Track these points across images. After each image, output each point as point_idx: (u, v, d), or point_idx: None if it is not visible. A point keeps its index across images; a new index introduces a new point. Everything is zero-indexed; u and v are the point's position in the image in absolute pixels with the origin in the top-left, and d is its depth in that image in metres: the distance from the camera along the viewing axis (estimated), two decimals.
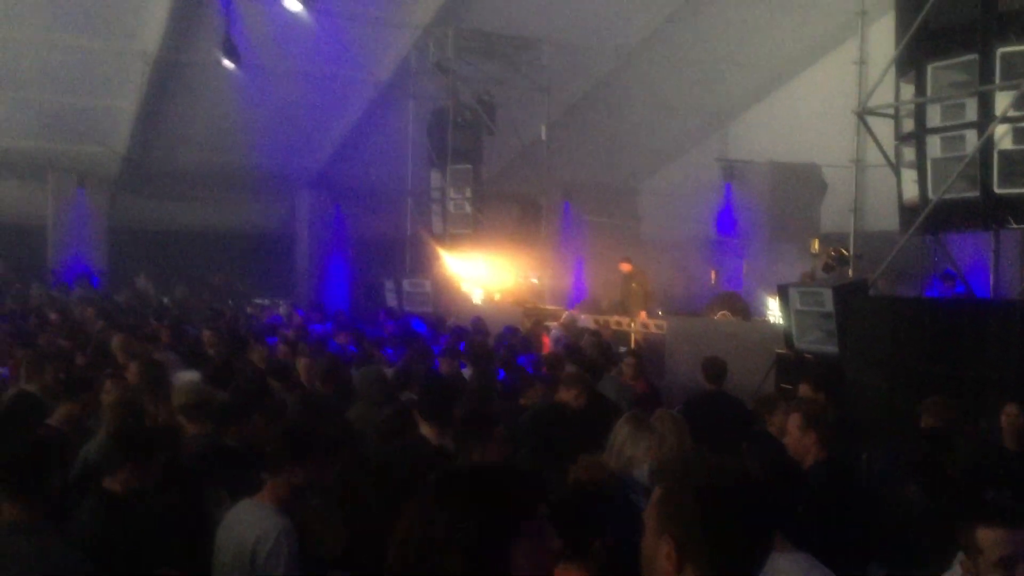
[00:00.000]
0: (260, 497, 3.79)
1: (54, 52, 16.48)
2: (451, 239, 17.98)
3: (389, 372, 7.56)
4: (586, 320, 14.06)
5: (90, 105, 18.21)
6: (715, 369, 7.64)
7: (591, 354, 8.60)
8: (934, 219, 8.04)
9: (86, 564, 3.46)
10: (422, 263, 18.89)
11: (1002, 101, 7.42)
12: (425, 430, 5.28)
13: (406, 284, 18.19)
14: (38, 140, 19.04)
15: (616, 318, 14.65)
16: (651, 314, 14.75)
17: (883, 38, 9.57)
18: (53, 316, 13.45)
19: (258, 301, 20.38)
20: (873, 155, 9.60)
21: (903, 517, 4.55)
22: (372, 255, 21.29)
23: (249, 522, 3.71)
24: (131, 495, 3.93)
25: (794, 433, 4.79)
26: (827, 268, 11.75)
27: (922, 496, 4.58)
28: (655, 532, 1.91)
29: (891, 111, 8.98)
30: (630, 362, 8.57)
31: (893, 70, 8.67)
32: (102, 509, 3.86)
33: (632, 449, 4.60)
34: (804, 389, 6.33)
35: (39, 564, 3.35)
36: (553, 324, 13.31)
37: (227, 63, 15.35)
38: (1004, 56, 7.37)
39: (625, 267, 15.89)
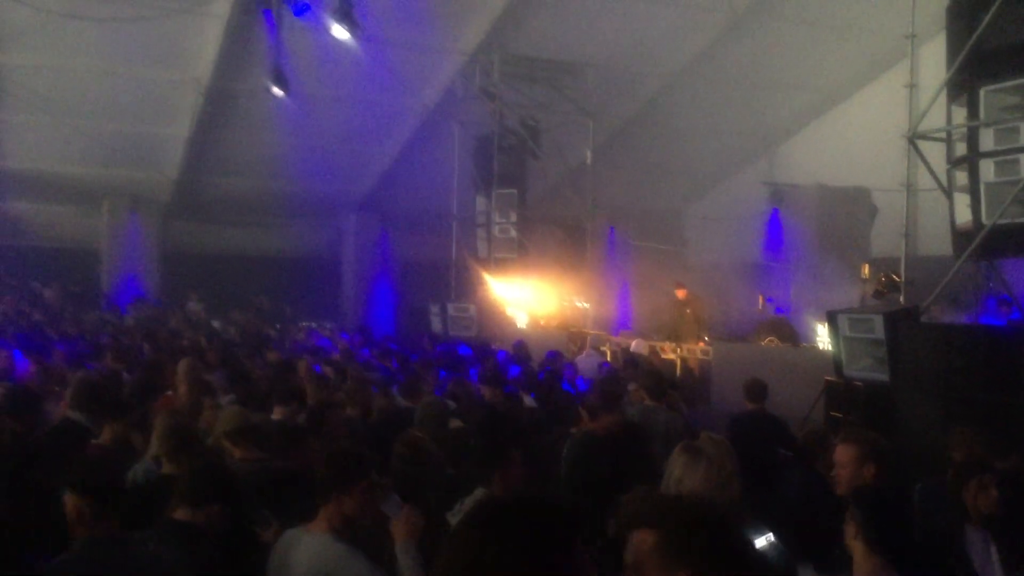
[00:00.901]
0: (314, 525, 3.78)
1: (110, 81, 16.92)
2: (496, 263, 18.02)
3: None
4: (639, 345, 13.95)
5: (144, 132, 18.64)
6: (756, 390, 7.79)
7: (645, 382, 8.43)
8: (988, 244, 7.86)
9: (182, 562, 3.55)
10: (467, 287, 18.94)
11: None
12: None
13: (451, 308, 18.25)
14: (93, 166, 19.52)
15: (664, 344, 14.55)
16: (701, 340, 14.60)
17: (934, 61, 9.42)
18: (105, 340, 13.67)
19: (304, 324, 20.57)
20: (925, 179, 9.43)
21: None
22: (418, 279, 21.42)
23: (309, 552, 3.70)
24: (212, 530, 3.93)
25: (849, 466, 4.57)
26: (878, 294, 11.53)
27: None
28: (663, 574, 2.08)
29: (943, 135, 8.82)
30: (634, 386, 8.46)
31: (944, 93, 8.53)
32: (176, 540, 3.83)
33: (691, 481, 4.51)
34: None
35: (147, 570, 3.44)
36: (586, 349, 13.14)
37: (276, 91, 15.61)
38: None
39: (680, 293, 15.57)
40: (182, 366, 8.31)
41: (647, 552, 2.11)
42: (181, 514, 3.93)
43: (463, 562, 1.87)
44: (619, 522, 2.29)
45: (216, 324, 19.77)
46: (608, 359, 13.22)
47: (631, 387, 8.53)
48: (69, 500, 3.49)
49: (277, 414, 6.37)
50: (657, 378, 8.24)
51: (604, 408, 6.20)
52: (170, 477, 4.47)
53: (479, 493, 4.55)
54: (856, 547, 3.33)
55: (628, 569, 2.15)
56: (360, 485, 3.79)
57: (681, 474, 4.50)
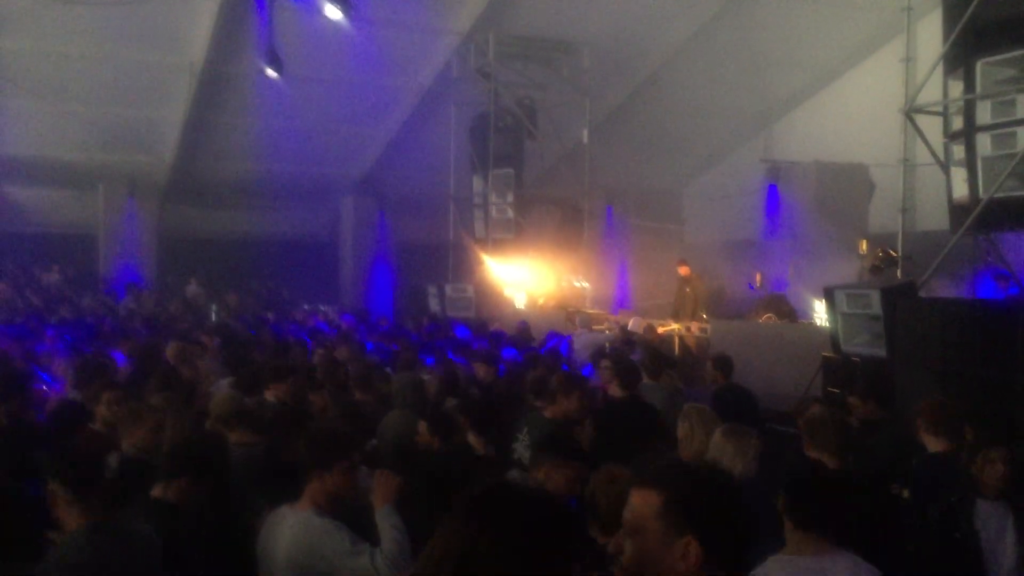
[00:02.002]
0: (300, 504, 3.83)
1: (104, 65, 16.84)
2: (493, 244, 17.99)
3: (428, 378, 7.56)
4: (637, 323, 13.96)
5: (139, 116, 18.57)
6: (728, 363, 8.22)
7: (644, 360, 8.34)
8: (985, 218, 7.84)
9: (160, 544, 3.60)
10: (465, 268, 18.94)
11: None
12: (471, 439, 5.29)
13: (449, 289, 18.24)
14: (89, 151, 19.46)
15: (662, 322, 14.54)
16: (700, 319, 14.60)
17: (930, 35, 9.38)
18: (108, 325, 13.71)
19: (306, 307, 20.58)
20: (922, 154, 9.40)
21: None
22: (416, 260, 21.40)
23: (292, 528, 3.75)
24: (182, 505, 3.98)
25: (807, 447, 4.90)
26: (875, 269, 11.53)
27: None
28: (665, 536, 2.05)
29: (939, 109, 8.78)
30: (605, 364, 8.27)
31: (941, 67, 8.48)
32: (153, 518, 3.88)
33: (742, 464, 4.52)
34: (853, 400, 6.23)
35: (133, 554, 3.47)
36: (577, 329, 13.07)
37: (271, 73, 15.53)
38: None
39: (683, 270, 15.53)
40: (171, 350, 8.34)
41: (651, 514, 2.08)
42: (156, 491, 4.00)
43: (455, 551, 1.85)
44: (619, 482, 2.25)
45: (214, 308, 19.80)
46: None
47: (603, 364, 8.37)
48: (53, 489, 3.53)
49: (270, 394, 6.35)
50: (654, 356, 8.24)
51: (561, 392, 6.09)
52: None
53: (516, 475, 4.54)
54: (787, 525, 3.41)
55: (625, 529, 2.11)
56: (342, 463, 3.83)
57: (732, 460, 4.53)
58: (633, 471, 3.20)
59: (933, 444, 5.04)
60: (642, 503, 2.10)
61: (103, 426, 5.32)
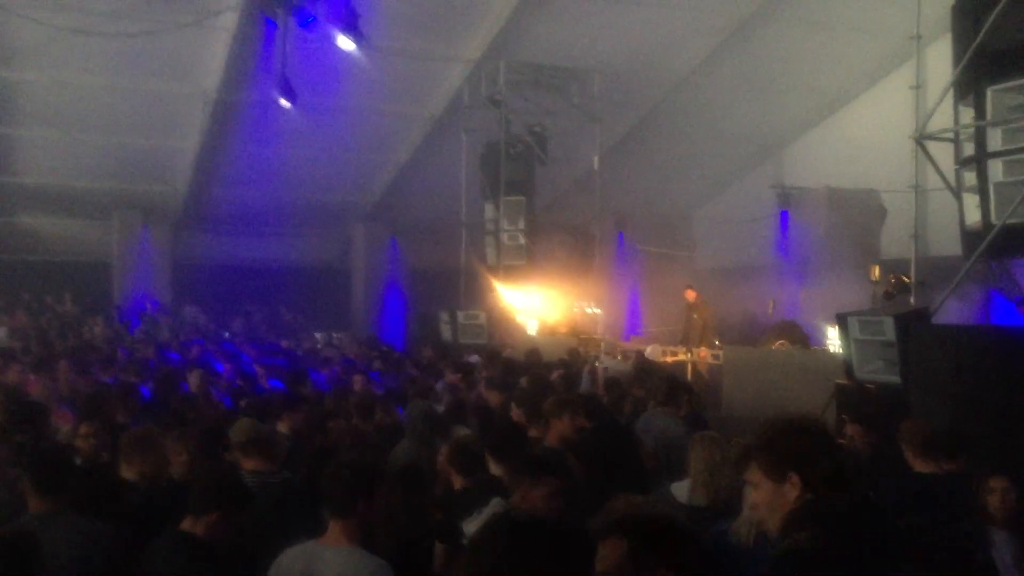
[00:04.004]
0: (332, 539, 3.71)
1: (119, 96, 17.02)
2: (505, 271, 18.00)
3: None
4: (654, 351, 13.95)
5: (154, 145, 18.75)
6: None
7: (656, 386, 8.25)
8: (998, 244, 7.83)
9: (119, 537, 3.96)
10: (477, 295, 18.92)
11: None
12: (494, 468, 5.05)
13: (461, 316, 18.22)
14: (104, 180, 19.65)
15: (674, 348, 14.54)
16: (709, 345, 14.57)
17: (940, 61, 9.41)
18: (123, 353, 13.78)
19: (317, 334, 20.61)
20: (933, 179, 9.40)
21: None
22: (427, 287, 21.45)
23: (338, 566, 3.62)
24: (213, 540, 3.94)
25: None
26: (888, 296, 11.49)
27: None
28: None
29: (950, 135, 8.79)
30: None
31: (951, 94, 8.50)
32: (183, 552, 3.88)
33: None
34: (854, 429, 6.20)
35: (80, 540, 3.91)
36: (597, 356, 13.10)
37: (283, 102, 15.65)
38: None
39: (689, 295, 15.61)
40: (192, 378, 8.38)
41: (620, 558, 2.28)
42: (186, 524, 3.97)
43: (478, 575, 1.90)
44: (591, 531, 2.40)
45: (226, 335, 19.86)
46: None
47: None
48: (21, 475, 4.06)
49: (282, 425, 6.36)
50: (670, 384, 8.20)
51: (553, 416, 5.92)
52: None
53: (496, 503, 4.51)
54: None
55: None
56: (381, 490, 3.78)
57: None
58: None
59: (920, 465, 5.01)
60: (611, 550, 2.31)
61: (85, 460, 5.34)
